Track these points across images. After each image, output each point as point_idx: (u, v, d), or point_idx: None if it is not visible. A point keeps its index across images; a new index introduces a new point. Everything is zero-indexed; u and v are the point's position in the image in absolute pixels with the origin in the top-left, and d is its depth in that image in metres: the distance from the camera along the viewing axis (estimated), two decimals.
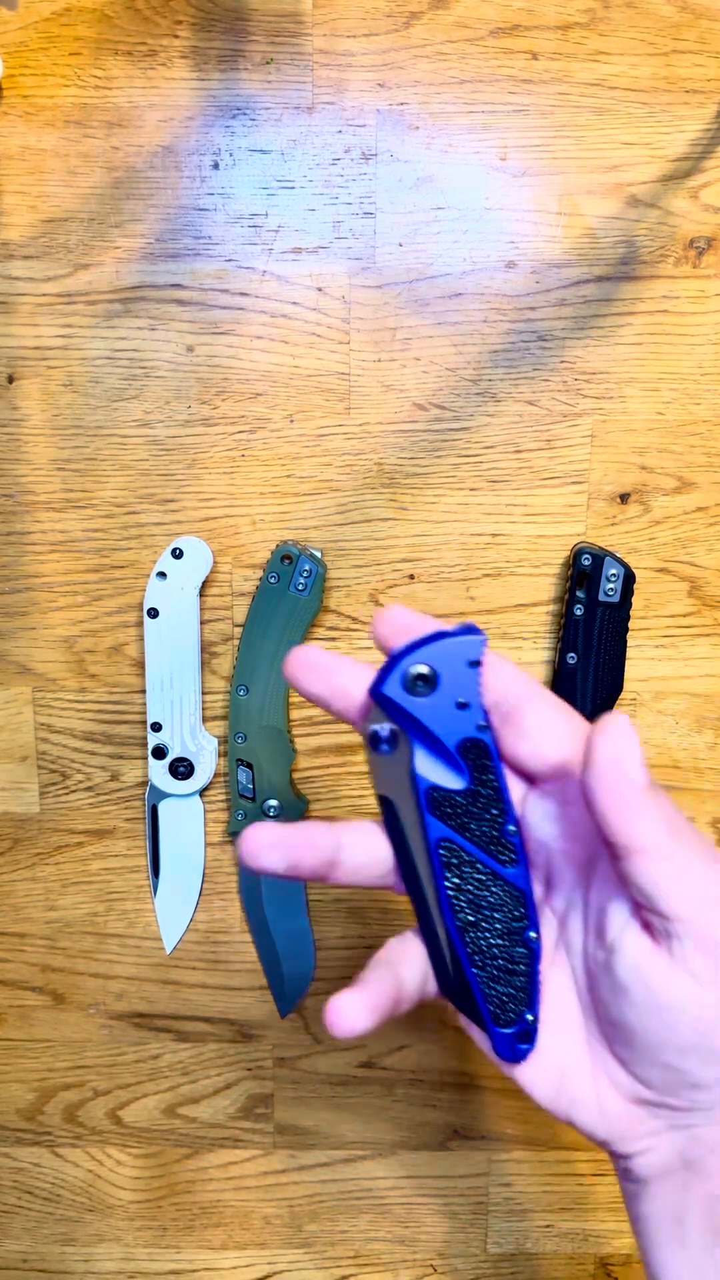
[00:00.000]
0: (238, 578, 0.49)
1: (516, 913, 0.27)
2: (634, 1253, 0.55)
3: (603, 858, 0.27)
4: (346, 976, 0.52)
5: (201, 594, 0.48)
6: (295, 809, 0.49)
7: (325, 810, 0.51)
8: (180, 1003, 0.53)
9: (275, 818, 0.49)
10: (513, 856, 0.27)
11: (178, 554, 0.47)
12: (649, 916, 0.25)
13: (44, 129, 0.45)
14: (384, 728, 0.27)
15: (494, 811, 0.27)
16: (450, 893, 0.27)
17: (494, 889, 0.27)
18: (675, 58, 0.44)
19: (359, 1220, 0.55)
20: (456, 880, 0.27)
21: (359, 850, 0.28)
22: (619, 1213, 0.54)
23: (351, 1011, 0.27)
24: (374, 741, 0.27)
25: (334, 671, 0.27)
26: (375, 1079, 0.53)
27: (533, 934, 0.27)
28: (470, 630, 0.27)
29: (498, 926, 0.27)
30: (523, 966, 0.27)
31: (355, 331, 0.46)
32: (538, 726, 0.28)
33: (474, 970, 0.27)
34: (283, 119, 0.45)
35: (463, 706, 0.26)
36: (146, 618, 0.47)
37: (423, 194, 0.45)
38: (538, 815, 0.28)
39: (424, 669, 0.26)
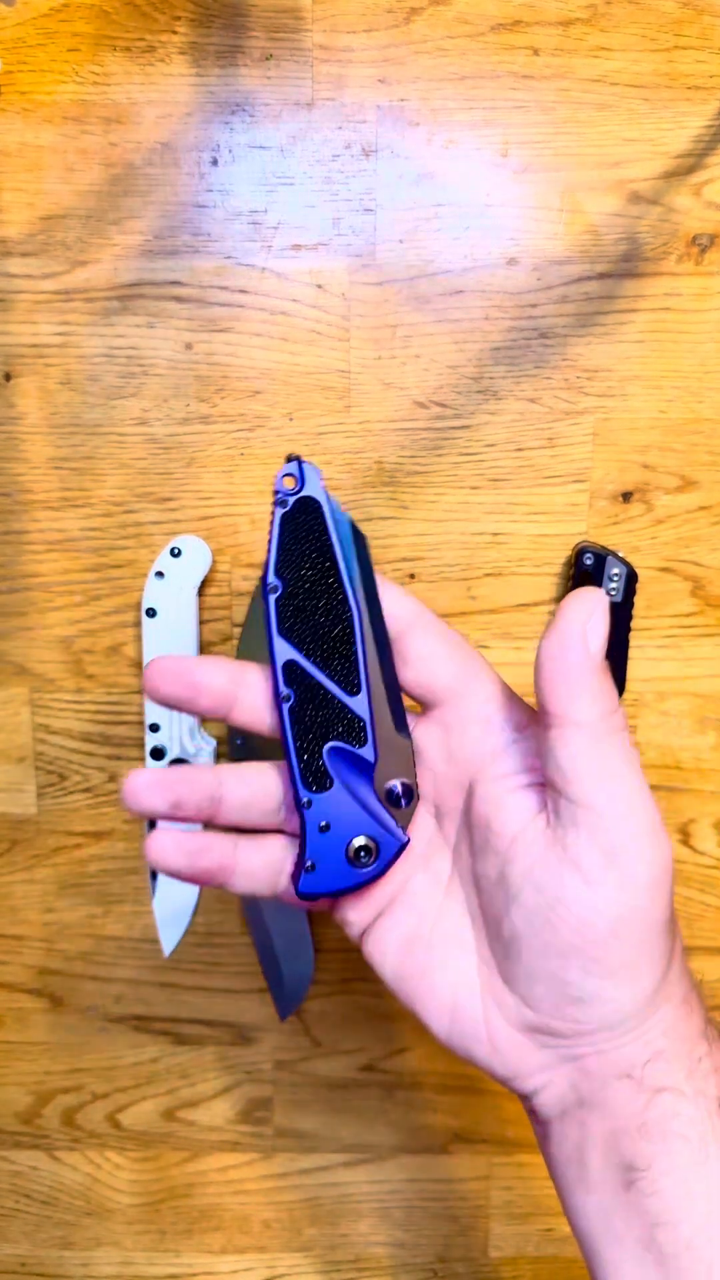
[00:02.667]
0: (236, 577, 0.48)
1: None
2: None
3: (486, 778, 0.28)
4: (347, 978, 0.52)
5: (200, 593, 0.48)
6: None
7: None
8: (179, 1006, 0.52)
9: None
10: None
11: (176, 553, 0.47)
12: (552, 798, 0.26)
13: (41, 125, 0.45)
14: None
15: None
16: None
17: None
18: (677, 53, 0.44)
19: (359, 1224, 0.54)
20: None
21: (241, 785, 0.29)
22: None
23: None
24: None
25: (190, 670, 0.28)
26: (375, 1082, 0.53)
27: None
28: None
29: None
30: None
31: (355, 329, 0.46)
32: (420, 654, 0.29)
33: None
34: (282, 115, 0.44)
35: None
36: (145, 617, 0.47)
37: (423, 190, 0.45)
38: (426, 741, 0.29)
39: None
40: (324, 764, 0.28)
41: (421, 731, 0.29)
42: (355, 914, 0.30)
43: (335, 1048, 0.53)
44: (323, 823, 0.28)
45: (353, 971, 0.52)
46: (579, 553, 0.46)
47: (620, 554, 0.46)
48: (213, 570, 0.48)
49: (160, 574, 0.47)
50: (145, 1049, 0.53)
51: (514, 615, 0.49)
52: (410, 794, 0.28)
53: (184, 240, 0.45)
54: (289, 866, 0.29)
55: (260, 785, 0.29)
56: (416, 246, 0.45)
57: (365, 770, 0.28)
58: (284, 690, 0.28)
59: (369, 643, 0.28)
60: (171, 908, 0.51)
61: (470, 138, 0.45)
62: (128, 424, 0.47)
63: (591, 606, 0.25)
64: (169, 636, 0.47)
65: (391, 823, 0.28)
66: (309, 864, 0.28)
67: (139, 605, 0.48)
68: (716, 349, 0.46)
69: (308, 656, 0.28)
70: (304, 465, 0.27)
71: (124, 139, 0.45)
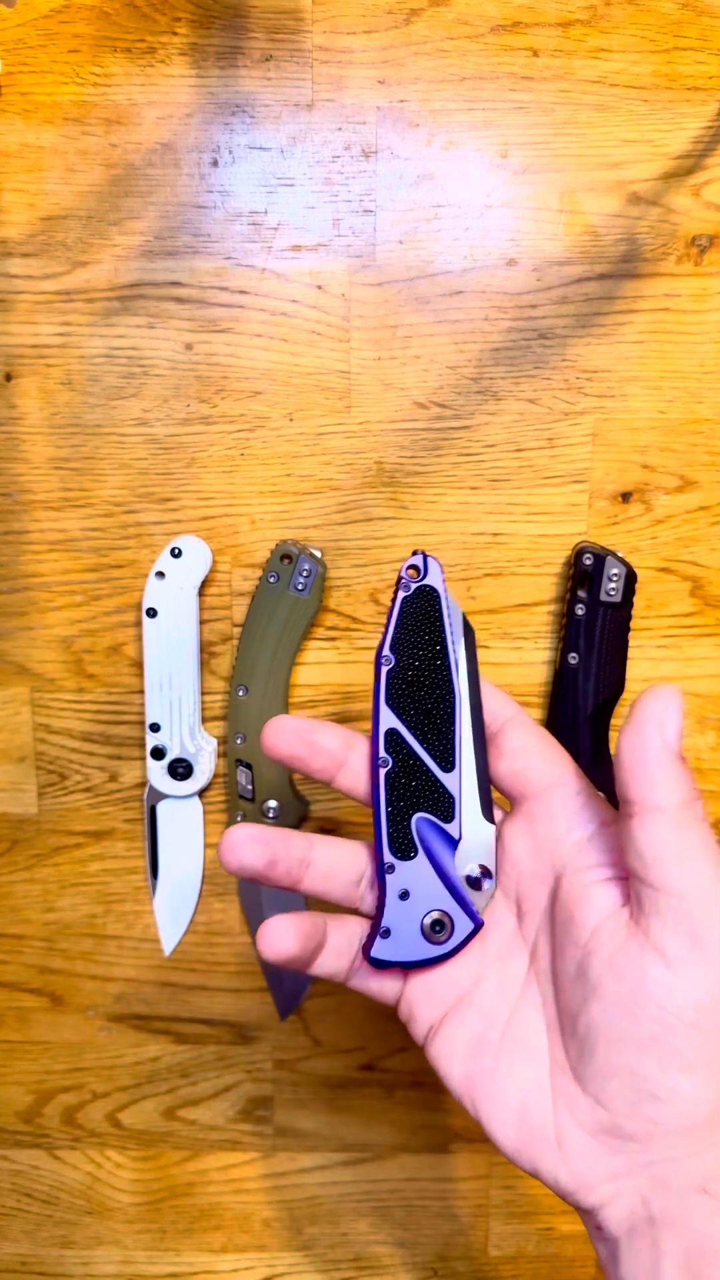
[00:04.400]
0: (237, 577, 0.48)
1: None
2: None
3: (570, 870, 0.28)
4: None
5: (200, 594, 0.48)
6: (295, 810, 0.49)
7: (325, 811, 0.51)
8: (179, 1005, 0.53)
9: (275, 819, 0.49)
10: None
11: (176, 553, 0.47)
12: (635, 888, 0.26)
13: (42, 126, 0.45)
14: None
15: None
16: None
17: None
18: (677, 55, 0.44)
19: (360, 1223, 0.55)
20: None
21: (329, 852, 0.30)
22: None
23: (283, 935, 0.28)
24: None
25: (309, 731, 0.30)
26: (376, 1081, 0.53)
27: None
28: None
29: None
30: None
31: (355, 329, 0.46)
32: (514, 748, 0.30)
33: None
34: (282, 116, 0.45)
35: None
36: (145, 617, 0.47)
37: (423, 191, 0.45)
38: (513, 837, 0.30)
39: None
40: (411, 832, 0.29)
41: (509, 828, 0.30)
42: (422, 1010, 0.30)
43: (335, 1047, 0.53)
44: (403, 890, 0.29)
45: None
46: (579, 553, 0.46)
47: (620, 554, 0.46)
48: (213, 570, 0.48)
49: (161, 574, 0.47)
50: (146, 1048, 0.53)
51: (514, 615, 0.49)
52: (489, 877, 0.29)
53: (184, 241, 0.45)
54: (363, 939, 0.30)
55: (347, 856, 0.30)
56: (416, 247, 0.45)
57: (449, 847, 0.29)
58: (383, 756, 0.29)
59: (466, 726, 0.29)
60: (172, 907, 0.51)
61: (470, 139, 0.45)
62: (128, 424, 0.47)
63: (667, 700, 0.26)
64: (169, 637, 0.47)
65: (470, 903, 0.29)
66: (385, 929, 0.29)
67: (139, 605, 0.48)
68: (716, 349, 0.46)
69: (409, 728, 0.29)
70: (428, 559, 0.29)
71: (124, 140, 0.45)
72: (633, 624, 0.48)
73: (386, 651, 0.29)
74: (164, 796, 0.50)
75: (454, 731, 0.29)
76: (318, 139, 0.45)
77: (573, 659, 0.47)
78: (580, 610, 0.47)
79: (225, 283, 0.46)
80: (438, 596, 0.29)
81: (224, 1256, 0.55)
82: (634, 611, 0.48)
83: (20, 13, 0.44)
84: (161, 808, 0.50)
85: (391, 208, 0.45)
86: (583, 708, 0.47)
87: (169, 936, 0.52)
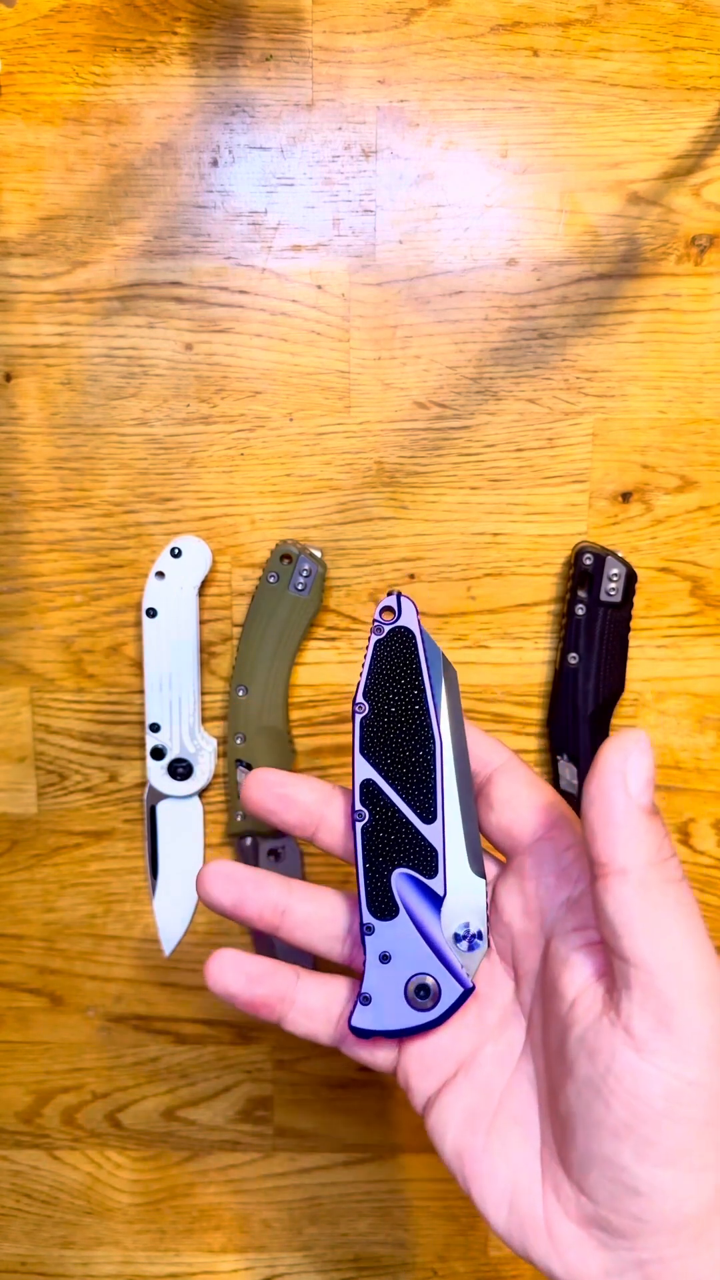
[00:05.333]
0: (237, 577, 0.48)
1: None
2: None
3: (558, 933, 0.26)
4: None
5: (200, 594, 0.48)
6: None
7: None
8: (179, 1005, 0.52)
9: None
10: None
11: (176, 553, 0.47)
12: (609, 958, 0.24)
13: (42, 126, 0.45)
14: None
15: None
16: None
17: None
18: (677, 54, 0.44)
19: (359, 1223, 0.55)
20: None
21: (309, 902, 0.29)
22: None
23: (224, 969, 0.28)
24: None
25: (282, 784, 0.29)
26: (375, 1081, 0.53)
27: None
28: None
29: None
30: None
31: (355, 329, 0.46)
32: (504, 799, 0.28)
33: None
34: (282, 116, 0.45)
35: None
36: (145, 617, 0.47)
37: (423, 191, 0.45)
38: (507, 895, 0.28)
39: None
40: (391, 890, 0.27)
41: (502, 885, 0.28)
42: (419, 1081, 0.28)
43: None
44: (383, 952, 0.27)
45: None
46: (579, 553, 0.46)
47: (620, 554, 0.46)
48: (213, 570, 0.48)
49: (160, 574, 0.47)
50: (145, 1048, 0.53)
51: (514, 615, 0.49)
52: (480, 937, 0.27)
53: (184, 241, 0.45)
54: (349, 1006, 0.28)
55: (329, 907, 0.29)
56: (416, 247, 0.45)
57: (434, 905, 0.27)
58: (359, 808, 0.28)
59: (449, 774, 0.28)
60: (172, 907, 0.51)
61: (470, 138, 0.45)
62: (128, 424, 0.47)
63: (629, 745, 0.23)
64: (169, 637, 0.47)
65: (457, 966, 0.27)
66: (365, 995, 0.27)
67: (139, 605, 0.48)
68: (716, 349, 0.46)
69: (387, 778, 0.28)
70: (402, 599, 0.28)
71: (124, 140, 0.45)
72: (633, 624, 0.48)
73: (360, 699, 0.28)
74: (164, 796, 0.50)
75: (434, 780, 0.27)
76: (318, 139, 0.45)
77: (573, 659, 0.47)
78: (580, 610, 0.46)
79: (225, 283, 0.46)
80: (413, 638, 0.28)
81: (224, 1257, 0.55)
82: (634, 611, 0.47)
83: (20, 12, 0.44)
84: (161, 808, 0.50)
85: (391, 208, 0.45)
86: (583, 708, 0.47)
87: (169, 937, 0.51)
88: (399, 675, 0.28)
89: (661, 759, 0.50)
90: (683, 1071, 0.22)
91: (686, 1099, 0.22)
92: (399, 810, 0.27)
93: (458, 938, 0.27)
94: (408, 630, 0.28)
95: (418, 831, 0.27)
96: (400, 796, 0.28)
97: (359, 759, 0.28)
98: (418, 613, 0.28)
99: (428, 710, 0.28)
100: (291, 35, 0.44)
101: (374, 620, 0.28)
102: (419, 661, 0.28)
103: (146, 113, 0.45)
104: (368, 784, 0.28)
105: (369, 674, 0.28)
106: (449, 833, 0.27)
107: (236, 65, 0.44)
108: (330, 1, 0.44)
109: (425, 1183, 0.54)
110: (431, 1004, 0.27)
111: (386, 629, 0.28)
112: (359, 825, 0.27)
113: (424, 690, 0.28)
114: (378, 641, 0.28)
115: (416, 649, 0.28)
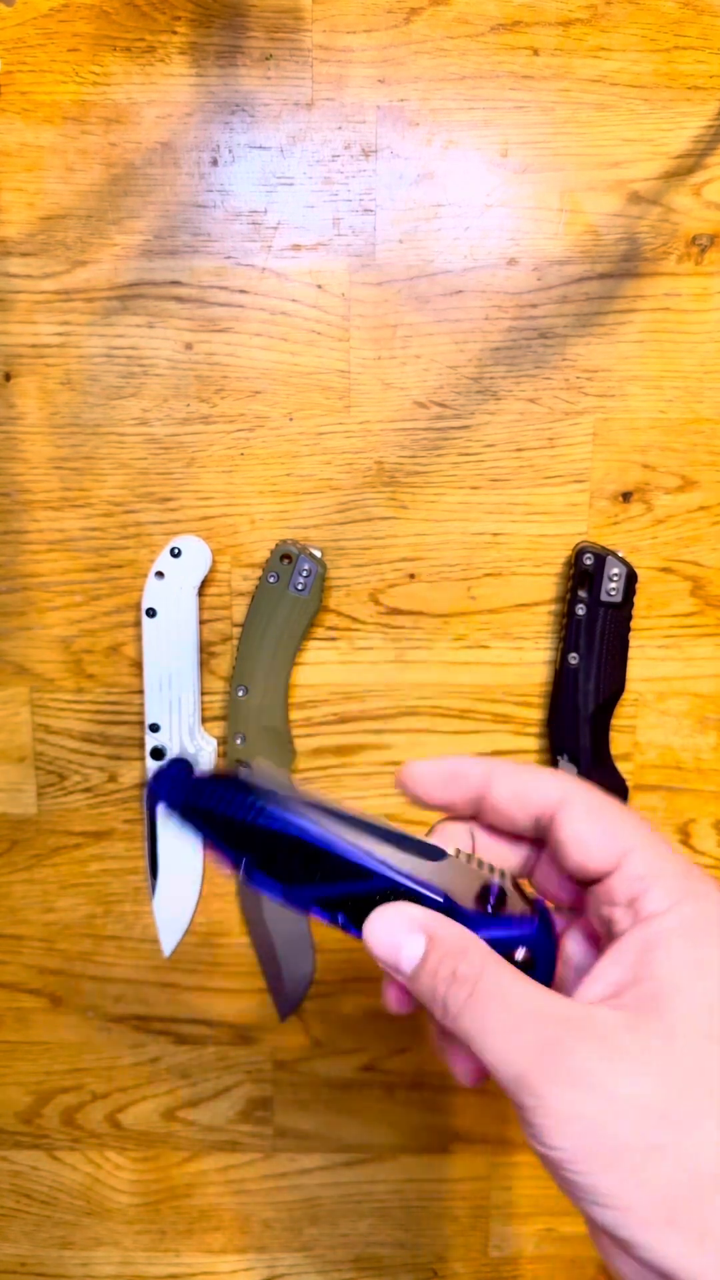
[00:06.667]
0: (236, 577, 0.48)
1: None
2: None
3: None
4: (346, 979, 0.52)
5: (200, 593, 0.48)
6: None
7: None
8: (179, 1005, 0.52)
9: None
10: None
11: (176, 553, 0.47)
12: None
13: (42, 125, 0.45)
14: None
15: None
16: None
17: None
18: (677, 54, 0.44)
19: (360, 1224, 0.54)
20: None
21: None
22: None
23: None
24: None
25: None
26: (376, 1082, 0.53)
27: None
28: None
29: None
30: None
31: (355, 329, 0.46)
32: (571, 837, 0.25)
33: None
34: (282, 115, 0.44)
35: None
36: (145, 617, 0.47)
37: (423, 190, 0.45)
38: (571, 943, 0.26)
39: None
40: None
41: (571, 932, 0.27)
42: None
43: (335, 1048, 0.53)
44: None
45: (353, 971, 0.52)
46: (579, 553, 0.46)
47: (620, 554, 0.46)
48: (213, 570, 0.48)
49: (160, 574, 0.47)
50: (145, 1049, 0.53)
51: (514, 615, 0.49)
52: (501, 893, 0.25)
53: (184, 240, 0.45)
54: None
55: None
56: (416, 247, 0.45)
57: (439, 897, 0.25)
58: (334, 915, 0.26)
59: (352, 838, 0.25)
60: (171, 908, 0.51)
61: (470, 138, 0.45)
62: (128, 424, 0.47)
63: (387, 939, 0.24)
64: (169, 636, 0.47)
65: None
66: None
67: (139, 605, 0.48)
68: (716, 349, 0.46)
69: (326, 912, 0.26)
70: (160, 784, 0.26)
71: (124, 139, 0.45)
72: (633, 624, 0.48)
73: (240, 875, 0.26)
74: None
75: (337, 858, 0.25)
76: (317, 138, 0.45)
77: (573, 659, 0.47)
78: (580, 610, 0.46)
79: (225, 282, 0.46)
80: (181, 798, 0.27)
81: (224, 1257, 0.55)
82: (634, 611, 0.47)
83: (20, 12, 0.44)
84: (161, 808, 0.50)
85: (391, 207, 0.45)
86: (583, 708, 0.47)
87: (168, 937, 0.51)
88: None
89: (662, 759, 0.50)
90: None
91: None
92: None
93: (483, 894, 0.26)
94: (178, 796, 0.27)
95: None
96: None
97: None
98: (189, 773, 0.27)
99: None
100: (291, 35, 0.44)
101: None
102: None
103: (146, 112, 0.44)
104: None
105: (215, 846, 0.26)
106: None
107: (236, 65, 0.44)
108: (330, 1, 0.44)
109: (425, 1183, 0.54)
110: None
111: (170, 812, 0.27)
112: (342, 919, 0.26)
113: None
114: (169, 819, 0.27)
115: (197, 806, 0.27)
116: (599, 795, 0.25)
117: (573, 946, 0.26)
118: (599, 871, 0.24)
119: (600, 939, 0.25)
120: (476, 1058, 0.23)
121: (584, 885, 0.25)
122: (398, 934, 0.24)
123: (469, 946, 0.23)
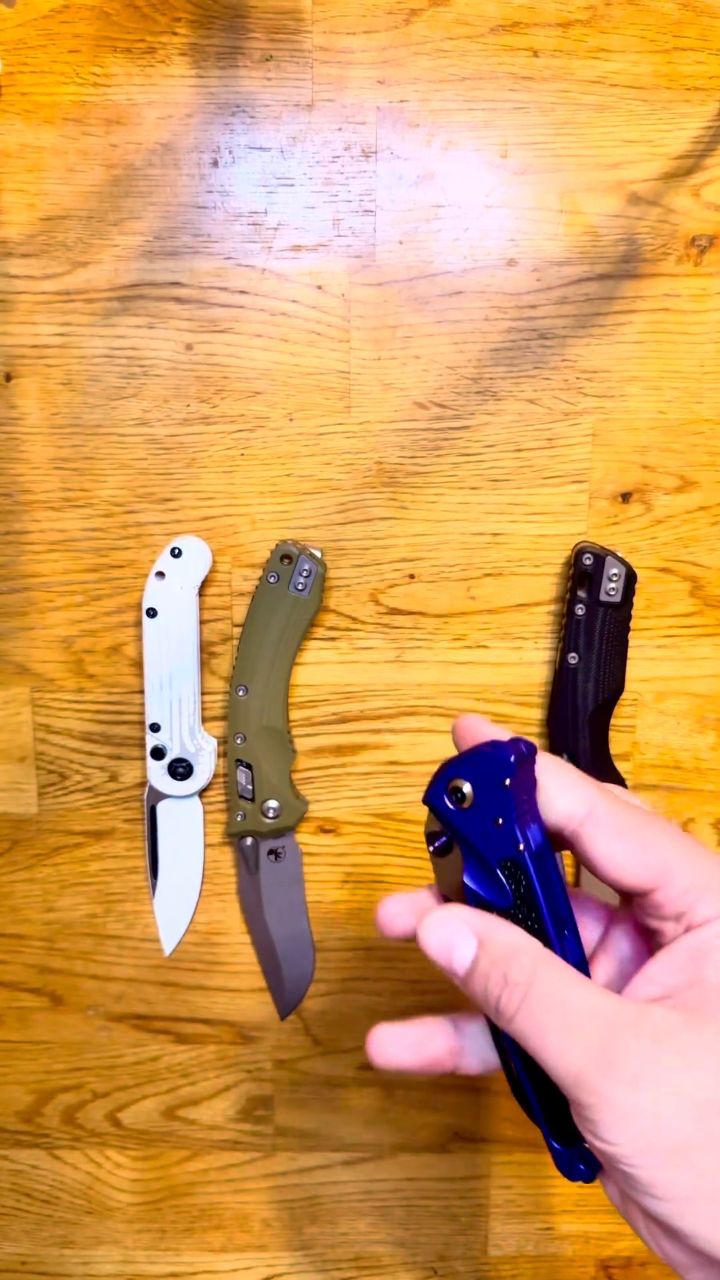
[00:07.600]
0: (237, 577, 0.48)
1: None
2: (635, 1255, 0.55)
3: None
4: (346, 979, 0.52)
5: (200, 594, 0.48)
6: (295, 810, 0.49)
7: (325, 812, 0.51)
8: (179, 1005, 0.53)
9: (274, 819, 0.49)
10: None
11: (176, 553, 0.47)
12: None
13: (42, 126, 0.45)
14: (438, 833, 0.26)
15: (538, 929, 0.25)
16: None
17: None
18: (676, 55, 0.44)
19: (359, 1223, 0.55)
20: None
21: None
22: (619, 1215, 0.54)
23: (390, 1044, 0.26)
24: (430, 842, 0.26)
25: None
26: (375, 1081, 0.53)
27: None
28: (511, 749, 0.25)
29: None
30: None
31: (355, 329, 0.46)
32: (600, 856, 0.25)
33: (532, 1086, 0.26)
34: (282, 116, 0.45)
35: (500, 824, 0.25)
36: (145, 617, 0.47)
37: (423, 191, 0.45)
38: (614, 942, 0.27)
39: (461, 784, 0.25)
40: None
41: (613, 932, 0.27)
42: None
43: (335, 1047, 0.53)
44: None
45: (353, 971, 0.52)
46: (578, 553, 0.46)
47: (620, 554, 0.46)
48: (213, 570, 0.48)
49: (161, 574, 0.47)
50: (146, 1048, 0.53)
51: (514, 615, 0.49)
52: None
53: (184, 241, 0.45)
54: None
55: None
56: (416, 247, 0.45)
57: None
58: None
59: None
60: (172, 907, 0.51)
61: (470, 139, 0.45)
62: (128, 424, 0.47)
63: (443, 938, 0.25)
64: (169, 636, 0.47)
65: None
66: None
67: (140, 605, 0.48)
68: (715, 349, 0.46)
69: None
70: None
71: (124, 140, 0.45)
72: (633, 624, 0.48)
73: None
74: (164, 796, 0.50)
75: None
76: (318, 139, 0.45)
77: (573, 659, 0.47)
78: (580, 610, 0.47)
79: (225, 283, 0.46)
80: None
81: (224, 1256, 0.55)
82: (634, 611, 0.48)
83: (20, 13, 0.44)
84: (161, 808, 0.50)
85: (391, 208, 0.45)
86: (583, 708, 0.47)
87: (169, 936, 0.52)
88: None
89: (661, 759, 0.50)
90: None
91: None
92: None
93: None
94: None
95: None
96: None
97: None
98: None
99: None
100: (291, 35, 0.44)
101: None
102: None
103: (146, 113, 0.45)
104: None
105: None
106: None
107: (236, 65, 0.44)
108: (330, 1, 0.44)
109: (425, 1182, 0.54)
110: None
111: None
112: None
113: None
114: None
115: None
116: (623, 807, 0.25)
117: (620, 940, 0.27)
118: (638, 889, 0.25)
119: (646, 934, 0.26)
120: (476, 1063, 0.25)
121: (625, 895, 0.26)
122: (451, 936, 0.25)
123: (521, 949, 0.24)
